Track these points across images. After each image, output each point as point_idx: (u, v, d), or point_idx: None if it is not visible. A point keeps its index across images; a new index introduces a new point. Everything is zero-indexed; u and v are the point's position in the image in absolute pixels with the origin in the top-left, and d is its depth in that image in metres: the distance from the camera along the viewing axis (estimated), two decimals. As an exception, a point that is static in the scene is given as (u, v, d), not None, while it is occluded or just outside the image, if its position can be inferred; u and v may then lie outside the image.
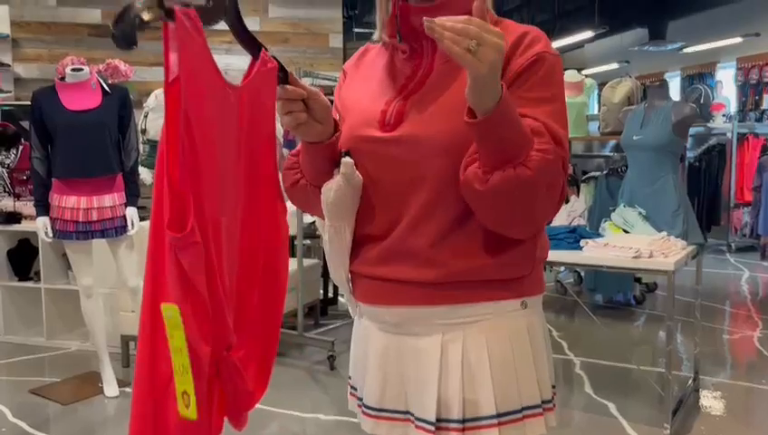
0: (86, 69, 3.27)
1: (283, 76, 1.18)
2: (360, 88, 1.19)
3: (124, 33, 0.98)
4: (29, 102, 3.35)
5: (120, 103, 3.29)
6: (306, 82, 4.68)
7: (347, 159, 1.09)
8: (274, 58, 1.24)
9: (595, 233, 3.51)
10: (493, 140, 0.94)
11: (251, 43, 1.23)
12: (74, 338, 4.25)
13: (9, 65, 5.58)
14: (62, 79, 3.25)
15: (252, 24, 6.15)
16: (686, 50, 10.04)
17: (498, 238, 1.06)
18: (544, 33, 1.09)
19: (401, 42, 1.12)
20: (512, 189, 0.95)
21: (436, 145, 1.04)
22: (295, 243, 3.99)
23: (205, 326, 0.98)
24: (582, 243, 3.16)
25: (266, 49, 1.25)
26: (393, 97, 1.11)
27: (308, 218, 4.13)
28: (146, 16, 0.99)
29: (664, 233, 3.28)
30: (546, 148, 0.97)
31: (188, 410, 0.97)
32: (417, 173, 1.06)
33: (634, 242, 3.08)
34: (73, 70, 3.24)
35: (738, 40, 9.15)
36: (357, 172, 1.10)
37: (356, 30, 10.94)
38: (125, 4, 1.00)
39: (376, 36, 1.18)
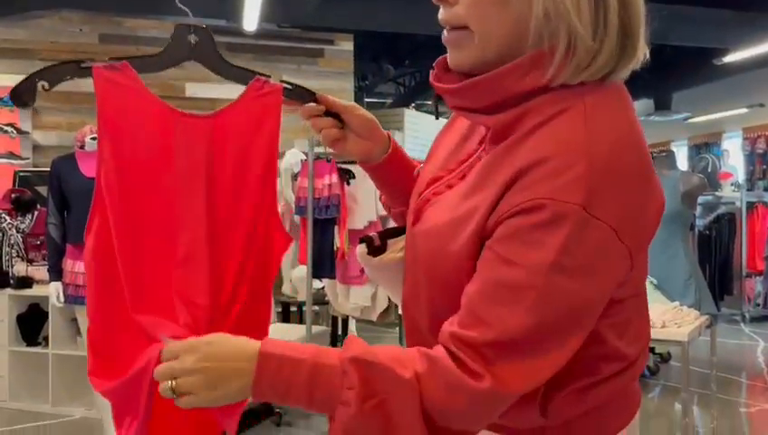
0: (105, 138, 3.35)
1: (309, 97, 1.13)
2: (434, 151, 1.01)
3: (20, 93, 1.09)
4: (46, 169, 3.42)
5: (136, 170, 3.36)
6: (318, 150, 4.59)
7: (360, 246, 1.03)
8: (287, 82, 1.20)
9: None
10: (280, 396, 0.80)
11: (238, 75, 1.22)
12: (79, 405, 4.19)
13: (29, 133, 5.71)
14: (82, 147, 3.33)
15: (266, 94, 6.30)
16: (691, 120, 10.18)
17: None
18: (578, 163, 0.74)
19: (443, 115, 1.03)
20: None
21: (424, 263, 0.89)
22: (304, 309, 3.96)
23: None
24: (594, 312, 3.13)
25: (268, 76, 1.21)
26: (436, 179, 0.93)
27: (317, 284, 4.11)
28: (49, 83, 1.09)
29: (676, 303, 3.25)
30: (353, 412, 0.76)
31: None
32: (419, 275, 0.91)
33: (646, 312, 3.05)
34: (93, 138, 3.32)
35: (743, 110, 9.28)
36: (370, 258, 1.02)
37: (366, 100, 11.20)
38: (34, 71, 1.10)
39: None
